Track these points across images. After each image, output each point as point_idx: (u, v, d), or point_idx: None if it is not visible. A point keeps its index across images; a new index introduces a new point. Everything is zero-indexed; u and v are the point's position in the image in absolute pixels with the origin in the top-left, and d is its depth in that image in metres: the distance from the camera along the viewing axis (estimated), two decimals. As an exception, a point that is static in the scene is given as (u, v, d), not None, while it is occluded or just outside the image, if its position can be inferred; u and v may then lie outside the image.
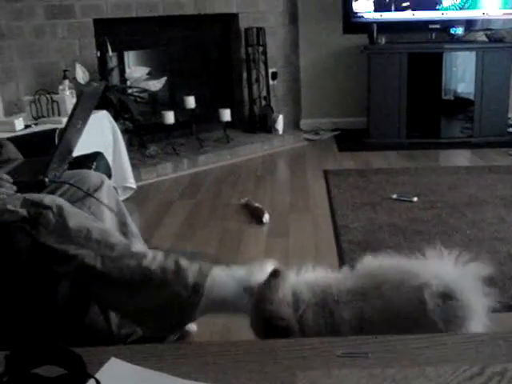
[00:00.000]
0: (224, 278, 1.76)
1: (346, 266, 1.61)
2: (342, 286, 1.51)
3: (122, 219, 2.13)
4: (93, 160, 2.42)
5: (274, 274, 1.55)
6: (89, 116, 2.35)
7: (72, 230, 1.79)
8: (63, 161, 2.21)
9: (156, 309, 1.78)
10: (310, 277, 1.56)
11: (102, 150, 2.84)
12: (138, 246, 1.92)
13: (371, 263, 1.60)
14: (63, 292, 2.07)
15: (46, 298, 1.96)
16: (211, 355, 1.14)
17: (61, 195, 2.04)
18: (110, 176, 2.53)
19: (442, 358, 1.06)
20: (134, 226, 2.17)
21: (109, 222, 2.04)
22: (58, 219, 1.80)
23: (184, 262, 1.79)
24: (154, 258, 1.80)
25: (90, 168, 2.38)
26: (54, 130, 2.71)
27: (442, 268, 1.50)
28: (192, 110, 4.78)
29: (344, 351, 1.06)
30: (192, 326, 2.20)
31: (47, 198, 1.86)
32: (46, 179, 2.00)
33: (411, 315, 1.45)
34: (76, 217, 1.83)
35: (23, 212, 1.80)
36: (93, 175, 2.17)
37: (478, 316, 1.46)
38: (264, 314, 1.50)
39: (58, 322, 2.09)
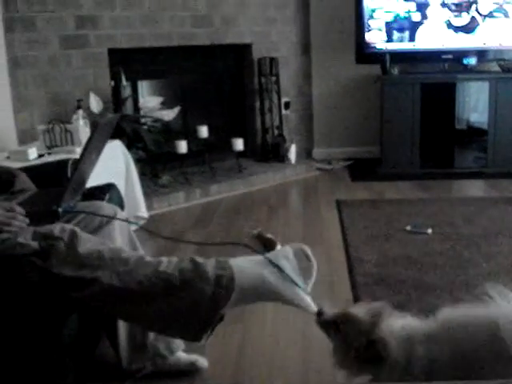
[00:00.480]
0: (244, 265, 1.78)
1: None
2: (424, 329, 1.57)
3: (132, 246, 2.11)
4: (106, 191, 2.41)
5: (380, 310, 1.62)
6: (103, 147, 2.34)
7: (83, 255, 1.79)
8: (77, 192, 2.20)
9: (182, 312, 1.76)
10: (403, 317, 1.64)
11: (114, 179, 2.83)
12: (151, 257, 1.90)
13: (450, 311, 1.62)
14: (72, 326, 2.05)
15: (54, 332, 1.93)
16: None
17: (75, 225, 2.03)
18: (122, 207, 2.52)
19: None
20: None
21: (120, 243, 2.03)
22: (68, 247, 1.79)
23: (199, 259, 1.80)
24: (169, 262, 1.80)
25: (102, 199, 2.36)
26: (67, 161, 2.69)
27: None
28: (205, 139, 4.78)
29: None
30: (203, 362, 2.17)
31: (57, 229, 1.85)
32: (60, 209, 1.98)
33: (482, 355, 1.45)
34: (85, 241, 1.82)
35: (35, 245, 1.79)
36: (106, 207, 2.15)
37: None
38: (370, 336, 1.55)
39: (67, 356, 2.06)
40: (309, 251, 1.86)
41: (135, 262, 1.80)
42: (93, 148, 2.11)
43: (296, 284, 1.78)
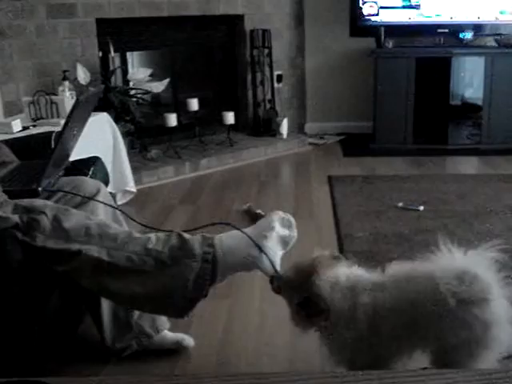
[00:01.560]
0: (228, 242, 1.78)
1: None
2: (370, 279, 1.69)
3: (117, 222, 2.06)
4: (90, 166, 2.34)
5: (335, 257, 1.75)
6: (86, 122, 2.28)
7: (69, 230, 1.75)
8: (59, 167, 2.13)
9: (169, 289, 1.75)
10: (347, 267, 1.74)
11: (101, 153, 2.77)
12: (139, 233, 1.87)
13: (397, 266, 1.72)
14: (55, 302, 2.00)
15: (37, 308, 1.89)
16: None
17: (55, 202, 1.97)
18: (107, 182, 2.45)
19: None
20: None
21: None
22: (53, 223, 1.75)
23: (186, 235, 1.79)
24: (158, 239, 1.78)
25: (86, 174, 2.30)
26: (51, 133, 2.62)
27: (453, 258, 1.61)
28: (195, 112, 4.71)
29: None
30: (189, 340, 2.13)
31: (38, 202, 1.80)
32: (40, 188, 1.92)
33: (425, 303, 1.56)
34: (71, 217, 1.78)
35: (15, 218, 1.74)
36: (88, 183, 2.09)
37: (497, 293, 1.56)
38: (311, 290, 1.64)
39: (49, 332, 2.02)
40: (293, 221, 1.88)
41: (124, 238, 1.77)
42: (74, 122, 2.04)
43: (273, 265, 1.79)
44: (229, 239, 1.79)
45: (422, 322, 1.58)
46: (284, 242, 1.83)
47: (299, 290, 1.69)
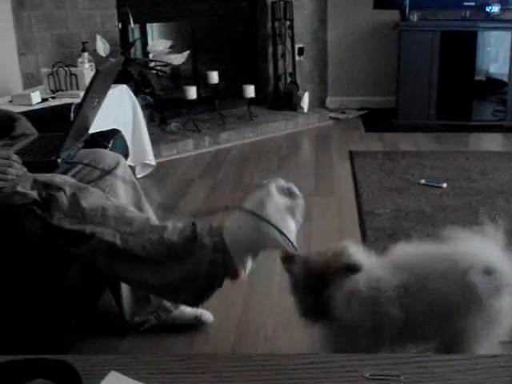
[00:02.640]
0: (235, 223, 1.73)
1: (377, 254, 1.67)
2: (389, 281, 1.56)
3: (138, 203, 2.03)
4: (110, 138, 2.31)
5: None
6: (106, 93, 2.24)
7: (86, 210, 1.72)
8: (78, 139, 2.11)
9: (183, 279, 1.72)
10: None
11: (120, 125, 2.74)
12: (156, 220, 1.85)
13: (406, 253, 1.65)
14: (74, 277, 1.99)
15: (56, 283, 1.88)
16: (223, 369, 1.04)
17: (73, 176, 1.95)
18: (127, 155, 2.42)
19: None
20: (150, 211, 2.07)
21: (124, 200, 1.95)
22: (70, 200, 1.73)
23: (199, 226, 1.75)
24: (174, 229, 1.75)
25: (106, 147, 2.26)
26: (70, 105, 2.59)
27: (477, 246, 1.55)
28: (215, 85, 4.65)
29: (373, 372, 0.94)
30: (208, 316, 2.11)
31: (58, 178, 1.78)
32: (59, 160, 1.90)
33: (460, 301, 1.50)
34: (89, 196, 1.76)
35: (34, 194, 1.72)
36: (108, 155, 2.06)
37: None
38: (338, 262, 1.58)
39: (69, 307, 2.01)
40: (294, 189, 1.77)
41: (140, 224, 1.75)
42: (94, 94, 2.01)
43: (283, 233, 1.67)
44: (235, 223, 1.74)
45: (447, 312, 1.53)
46: (289, 209, 1.71)
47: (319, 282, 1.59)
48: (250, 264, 1.74)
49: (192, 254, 1.70)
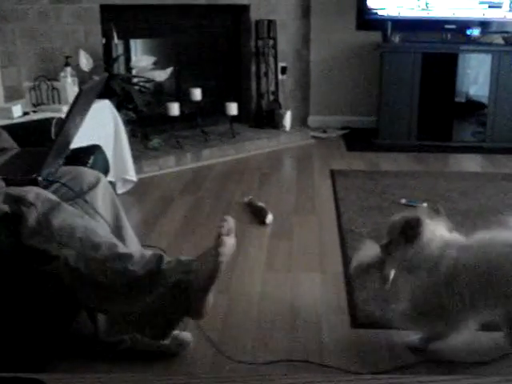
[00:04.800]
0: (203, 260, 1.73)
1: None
2: (459, 240, 1.93)
3: (117, 222, 2.01)
4: (90, 154, 2.30)
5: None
6: (88, 109, 2.23)
7: (55, 228, 1.71)
8: (60, 155, 2.09)
9: (146, 313, 1.73)
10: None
11: (101, 140, 2.73)
12: (124, 247, 1.82)
13: (484, 239, 1.92)
14: (48, 296, 1.96)
15: (30, 303, 1.84)
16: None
17: (54, 192, 1.93)
18: (107, 171, 2.41)
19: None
20: (129, 228, 2.05)
21: (101, 224, 1.92)
22: (40, 218, 1.71)
23: (166, 259, 1.75)
24: (141, 259, 1.74)
25: (87, 163, 2.25)
26: (51, 119, 2.57)
27: None
28: (198, 102, 4.65)
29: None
30: (187, 336, 2.08)
31: (31, 194, 1.75)
32: (40, 178, 1.88)
33: (505, 265, 1.80)
34: (61, 213, 1.74)
35: (5, 208, 1.70)
36: (88, 173, 2.04)
37: None
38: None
39: (43, 327, 1.98)
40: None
41: (106, 251, 1.73)
42: (77, 111, 2.00)
43: None
44: (201, 258, 1.76)
45: (499, 283, 1.81)
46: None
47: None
48: (211, 300, 1.75)
49: (154, 289, 1.70)
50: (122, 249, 1.76)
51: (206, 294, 1.72)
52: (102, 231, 1.82)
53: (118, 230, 1.98)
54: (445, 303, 1.86)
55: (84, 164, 2.20)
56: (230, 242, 1.71)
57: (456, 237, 1.94)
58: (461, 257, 1.85)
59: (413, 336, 2.06)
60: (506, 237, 1.86)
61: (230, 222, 1.75)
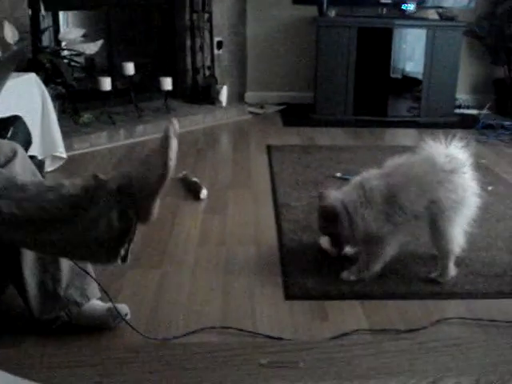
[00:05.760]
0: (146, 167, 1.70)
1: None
2: (375, 172, 2.36)
3: None
4: (9, 125, 2.18)
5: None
6: (5, 81, 2.10)
7: None
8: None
9: (94, 232, 1.65)
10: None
11: (28, 116, 2.61)
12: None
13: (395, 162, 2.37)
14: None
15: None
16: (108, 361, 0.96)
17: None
18: (29, 142, 2.30)
19: (388, 370, 0.91)
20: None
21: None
22: None
23: (102, 176, 1.71)
24: (72, 184, 1.68)
25: (5, 134, 2.13)
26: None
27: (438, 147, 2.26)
28: (131, 77, 4.53)
29: (270, 359, 0.89)
30: (122, 307, 2.00)
31: None
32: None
33: (425, 169, 2.23)
34: None
35: None
36: (4, 145, 1.91)
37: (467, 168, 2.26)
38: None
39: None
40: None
41: (35, 188, 1.67)
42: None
43: None
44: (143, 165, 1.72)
45: (426, 187, 2.21)
46: None
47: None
48: (157, 205, 1.70)
49: (97, 202, 1.64)
50: (50, 182, 1.71)
51: (155, 197, 1.66)
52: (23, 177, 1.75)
53: None
54: (392, 220, 2.24)
55: (1, 136, 2.08)
56: (176, 144, 1.70)
57: (371, 172, 2.36)
58: (373, 185, 2.26)
59: (345, 272, 2.32)
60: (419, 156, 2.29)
61: (176, 125, 1.74)
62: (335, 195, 2.34)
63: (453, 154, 2.23)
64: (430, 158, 2.23)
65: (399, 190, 2.23)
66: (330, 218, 2.29)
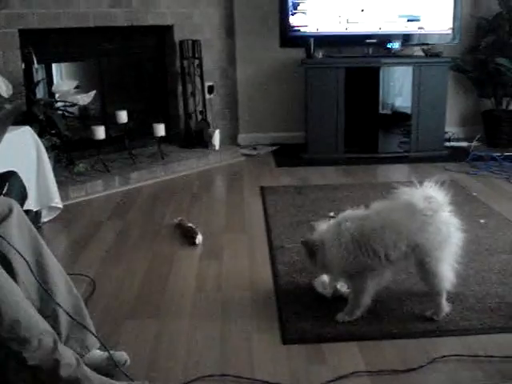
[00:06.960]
0: None
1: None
2: (355, 213, 2.41)
3: (37, 256, 1.93)
4: (5, 181, 2.22)
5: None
6: (1, 137, 2.15)
7: None
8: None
9: None
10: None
11: (22, 169, 2.65)
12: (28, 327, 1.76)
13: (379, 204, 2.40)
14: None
15: None
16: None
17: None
18: (25, 197, 2.34)
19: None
20: (51, 258, 1.98)
21: (17, 260, 1.84)
22: None
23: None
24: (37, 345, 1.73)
25: (1, 190, 2.17)
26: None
27: (416, 191, 2.28)
28: (124, 124, 4.60)
29: None
30: (121, 356, 2.02)
31: None
32: None
33: (404, 215, 2.26)
34: None
35: None
36: (0, 203, 1.96)
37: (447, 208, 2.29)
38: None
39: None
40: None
41: (8, 325, 1.69)
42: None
43: None
44: None
45: (404, 233, 2.25)
46: None
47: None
48: None
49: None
50: (23, 330, 1.71)
51: None
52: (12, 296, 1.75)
53: (38, 266, 1.91)
54: (362, 261, 2.30)
55: (-2, 192, 2.12)
56: None
57: (351, 213, 2.42)
58: (347, 226, 2.33)
59: (340, 314, 2.35)
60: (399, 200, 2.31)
61: None
62: (318, 231, 2.44)
63: (431, 195, 2.26)
64: (410, 203, 2.25)
65: (373, 233, 2.28)
66: (309, 251, 2.42)
